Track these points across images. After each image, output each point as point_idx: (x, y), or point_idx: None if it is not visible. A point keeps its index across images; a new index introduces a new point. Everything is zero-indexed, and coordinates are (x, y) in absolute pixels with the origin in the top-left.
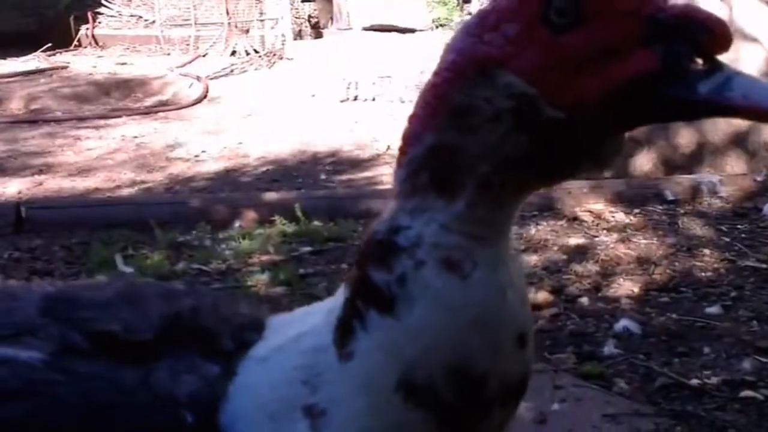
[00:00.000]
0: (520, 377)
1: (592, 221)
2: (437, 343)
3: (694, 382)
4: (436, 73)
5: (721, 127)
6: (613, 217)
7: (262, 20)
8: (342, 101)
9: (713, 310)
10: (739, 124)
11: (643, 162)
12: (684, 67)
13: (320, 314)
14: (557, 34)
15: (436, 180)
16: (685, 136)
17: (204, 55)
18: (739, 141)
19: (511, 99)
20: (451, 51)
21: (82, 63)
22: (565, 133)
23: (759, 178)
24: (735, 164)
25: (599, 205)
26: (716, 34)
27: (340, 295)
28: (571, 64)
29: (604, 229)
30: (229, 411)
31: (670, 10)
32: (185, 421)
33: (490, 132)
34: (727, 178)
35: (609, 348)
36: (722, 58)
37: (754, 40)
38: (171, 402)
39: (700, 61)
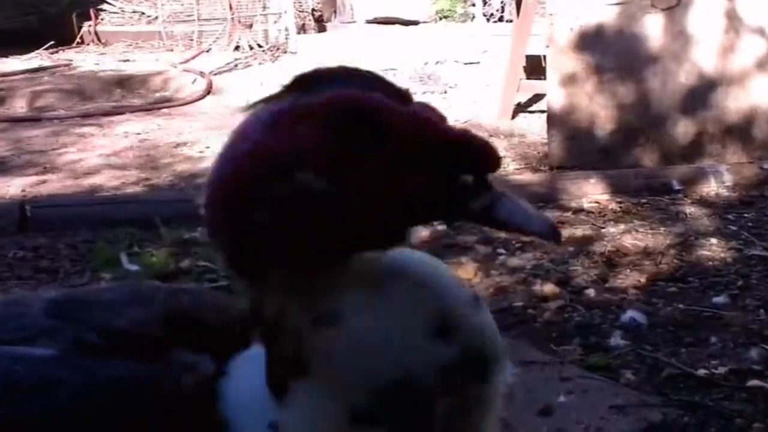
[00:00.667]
0: (454, 361)
1: (598, 212)
2: (356, 383)
3: (702, 372)
4: (226, 168)
5: (722, 117)
6: (618, 207)
7: (265, 15)
8: None
9: (720, 299)
10: (740, 113)
11: (645, 153)
12: (456, 185)
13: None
14: (348, 149)
15: (247, 264)
16: (685, 127)
17: (207, 51)
18: (741, 130)
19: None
20: (243, 140)
21: (85, 60)
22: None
23: (766, 166)
24: (737, 154)
25: (605, 196)
26: (486, 159)
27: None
28: (357, 175)
29: (609, 219)
30: (225, 407)
31: (444, 137)
32: (189, 414)
33: (285, 219)
34: (734, 166)
35: (616, 339)
36: (724, 46)
37: (757, 30)
38: (176, 397)
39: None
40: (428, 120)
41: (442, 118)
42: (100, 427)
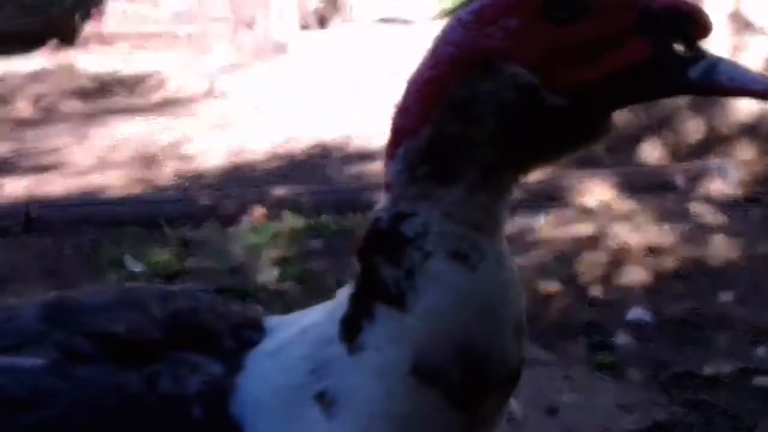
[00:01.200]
0: (516, 364)
1: (603, 210)
2: (447, 331)
3: (707, 370)
4: (432, 67)
5: (729, 114)
6: (623, 205)
7: (267, 14)
8: (349, 94)
9: (726, 297)
10: (748, 111)
11: (651, 150)
12: (673, 54)
13: (320, 312)
14: (558, 27)
15: (437, 170)
16: (693, 124)
17: (210, 50)
18: (748, 128)
19: (514, 89)
20: (447, 44)
21: (88, 60)
22: (566, 117)
23: None
24: (744, 151)
25: (609, 194)
26: (700, 24)
27: (342, 294)
28: (571, 55)
29: (614, 217)
30: (240, 401)
31: (660, 3)
32: (195, 417)
33: (495, 121)
34: (739, 163)
35: (621, 338)
36: (730, 47)
37: (761, 30)
38: (179, 401)
39: (684, 48)
40: None
41: None
42: None
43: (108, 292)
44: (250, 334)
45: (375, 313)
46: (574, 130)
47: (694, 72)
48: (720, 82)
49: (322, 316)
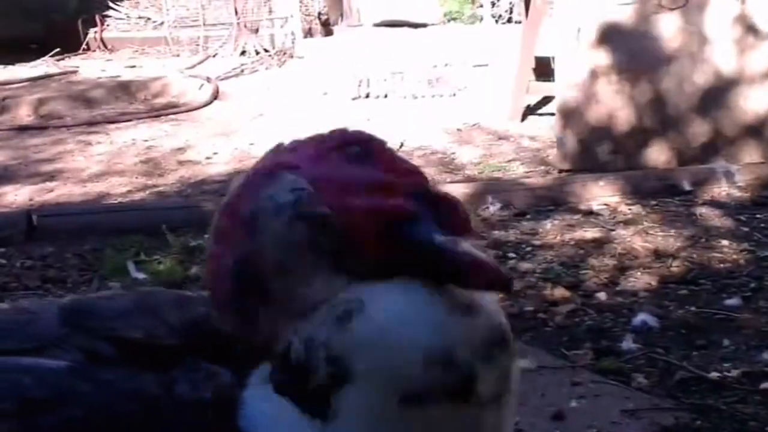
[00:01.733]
0: (485, 334)
1: (608, 214)
2: (398, 360)
3: (714, 375)
4: (225, 203)
5: (735, 117)
6: (629, 209)
7: (271, 19)
8: (354, 99)
9: (733, 301)
10: (754, 113)
11: (657, 154)
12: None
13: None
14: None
15: (255, 295)
16: (699, 127)
17: (213, 56)
18: (754, 131)
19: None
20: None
21: (91, 67)
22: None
23: None
24: (751, 154)
25: (615, 198)
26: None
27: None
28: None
29: (620, 222)
30: (246, 415)
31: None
32: (209, 424)
33: (277, 226)
34: (745, 166)
35: (627, 343)
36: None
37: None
38: (193, 407)
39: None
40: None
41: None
42: None
43: (125, 297)
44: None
45: (330, 401)
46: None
47: (439, 239)
48: (452, 250)
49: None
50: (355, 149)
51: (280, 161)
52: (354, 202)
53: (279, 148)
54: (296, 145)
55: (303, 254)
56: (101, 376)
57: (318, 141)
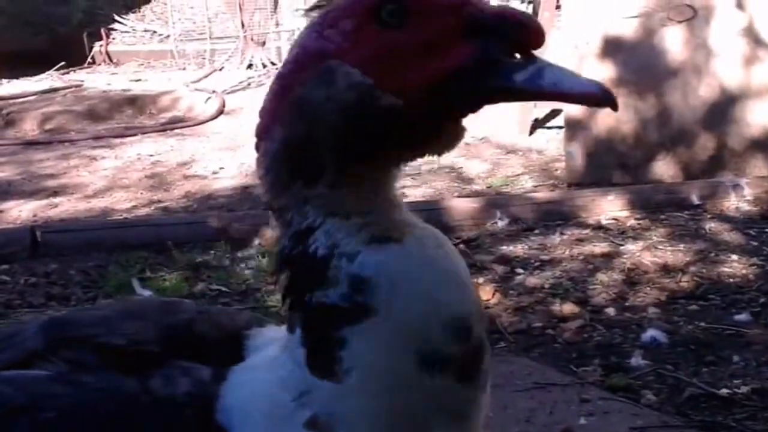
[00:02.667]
0: (484, 316)
1: (617, 229)
2: (423, 309)
3: (724, 391)
4: (282, 67)
5: (742, 131)
6: (638, 223)
7: (278, 32)
8: None
9: (742, 317)
10: (761, 127)
11: (664, 167)
12: (500, 60)
13: (276, 346)
14: (386, 31)
15: (297, 170)
16: (705, 141)
17: (220, 69)
18: (761, 144)
19: (350, 89)
20: (296, 45)
21: (96, 80)
22: (402, 117)
23: None
24: (758, 168)
25: (624, 212)
26: (530, 31)
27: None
28: (399, 58)
29: (629, 236)
30: (224, 409)
31: (487, 11)
32: (185, 417)
33: (336, 120)
34: (754, 180)
35: (636, 359)
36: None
37: None
38: (171, 403)
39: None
40: None
41: None
42: None
43: (108, 306)
44: (243, 345)
45: (345, 338)
46: (416, 130)
47: (520, 77)
48: (541, 85)
49: (278, 353)
50: (389, 8)
51: (326, 49)
52: (413, 77)
53: (316, 23)
54: (333, 18)
55: (362, 150)
56: (79, 379)
57: (352, 8)
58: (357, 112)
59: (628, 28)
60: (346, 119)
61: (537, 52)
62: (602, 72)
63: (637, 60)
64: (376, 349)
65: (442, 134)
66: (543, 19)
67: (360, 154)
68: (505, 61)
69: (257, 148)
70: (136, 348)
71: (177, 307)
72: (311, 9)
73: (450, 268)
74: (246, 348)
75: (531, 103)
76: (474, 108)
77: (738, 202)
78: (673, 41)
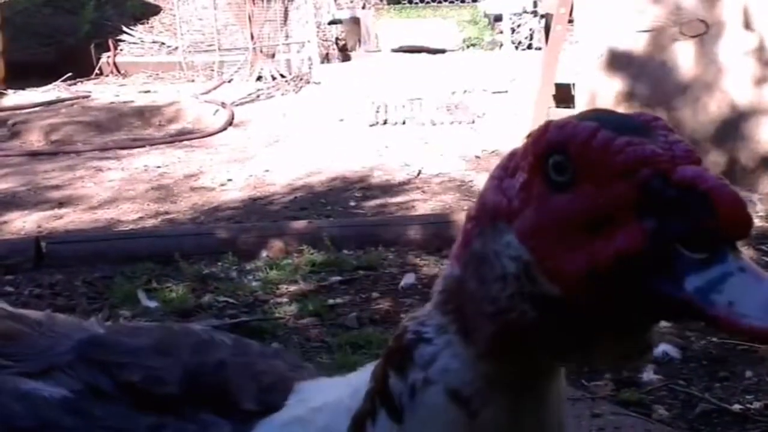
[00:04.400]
0: None
1: None
2: None
3: (737, 407)
4: (472, 206)
5: (752, 147)
6: None
7: (287, 44)
8: (371, 125)
9: None
10: None
11: None
12: (676, 251)
13: (344, 389)
14: (552, 192)
15: (458, 317)
16: (716, 157)
17: (229, 81)
18: None
19: (512, 261)
20: (483, 188)
21: (103, 92)
22: (562, 311)
23: None
24: (766, 184)
25: None
26: (723, 215)
27: (366, 377)
28: (562, 230)
29: None
30: None
31: (671, 177)
32: None
33: (500, 290)
34: (767, 196)
35: (648, 374)
36: (753, 82)
37: None
38: None
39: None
40: (649, 155)
41: (687, 155)
42: None
43: (150, 334)
44: (276, 397)
45: (377, 417)
46: (579, 333)
47: (693, 282)
48: (711, 307)
49: (342, 396)
50: (555, 159)
51: (499, 206)
52: (573, 259)
53: (501, 167)
54: (515, 165)
55: (518, 335)
56: (91, 410)
57: (524, 155)
58: (517, 291)
59: (640, 43)
60: (509, 294)
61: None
62: (613, 86)
63: (649, 74)
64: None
65: (617, 344)
66: (555, 32)
67: (517, 338)
68: (680, 256)
69: (452, 257)
70: (152, 389)
71: (211, 346)
72: (332, 23)
73: None
74: (288, 401)
75: (543, 116)
76: (644, 319)
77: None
78: (685, 57)
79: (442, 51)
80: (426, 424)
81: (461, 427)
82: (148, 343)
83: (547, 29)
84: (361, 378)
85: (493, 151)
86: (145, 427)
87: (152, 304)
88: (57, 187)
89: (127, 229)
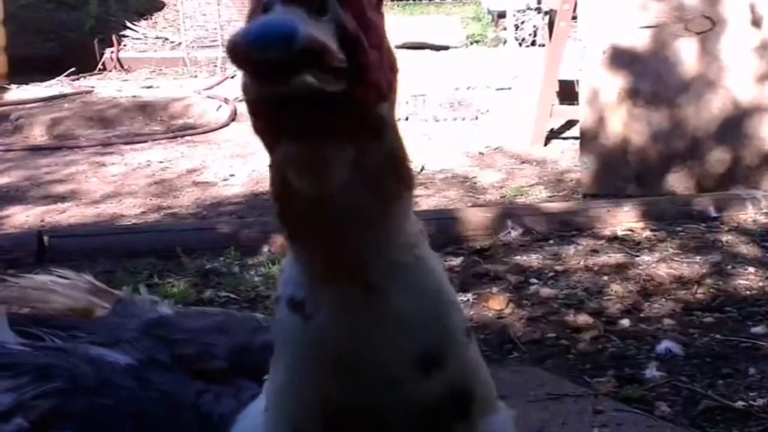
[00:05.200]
0: (431, 400)
1: (632, 240)
2: (305, 387)
3: (740, 404)
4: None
5: (755, 145)
6: (653, 235)
7: None
8: None
9: (759, 329)
10: None
11: (678, 180)
12: None
13: None
14: None
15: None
16: (719, 154)
17: (232, 77)
18: None
19: None
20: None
21: (106, 87)
22: None
23: None
24: None
25: (639, 224)
26: None
27: None
28: None
29: (644, 248)
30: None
31: None
32: None
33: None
34: None
35: (651, 371)
36: (756, 78)
37: None
38: (205, 422)
39: None
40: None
41: None
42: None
43: (212, 318)
44: None
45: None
46: None
47: None
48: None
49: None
50: None
51: None
52: None
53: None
54: None
55: None
56: (149, 376)
57: None
58: None
59: (643, 39)
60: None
61: None
62: (616, 83)
63: (652, 71)
64: (272, 397)
65: None
66: (559, 29)
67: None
68: None
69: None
70: (203, 361)
71: (265, 330)
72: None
73: (354, 359)
74: None
75: (546, 113)
76: None
77: (755, 214)
78: (688, 54)
79: (446, 48)
80: (283, 344)
81: (300, 332)
82: (207, 324)
83: (550, 26)
84: None
85: (496, 148)
86: (193, 392)
87: (154, 299)
88: (59, 182)
89: (129, 223)
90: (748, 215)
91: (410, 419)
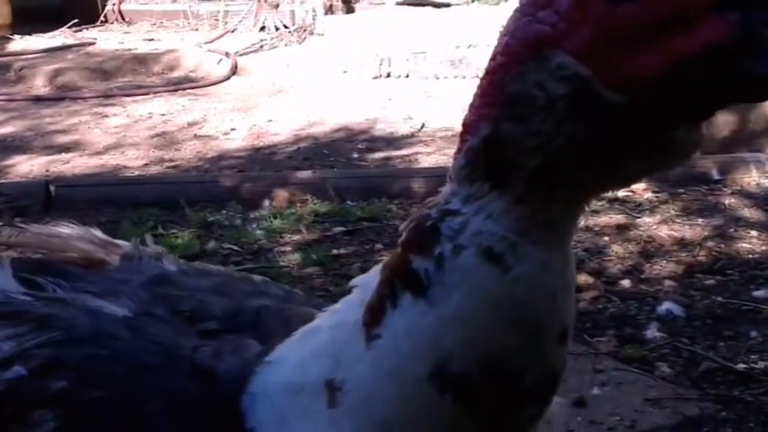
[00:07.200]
0: (557, 372)
1: (633, 202)
2: (473, 336)
3: (740, 366)
4: (491, 59)
5: (761, 110)
6: (655, 196)
7: None
8: (375, 78)
9: (761, 293)
10: None
11: None
12: (764, 37)
13: (356, 294)
14: (614, 4)
15: (491, 172)
16: (724, 117)
17: (233, 31)
18: None
19: (564, 82)
20: (505, 33)
21: (108, 39)
22: (627, 120)
23: None
24: None
25: (641, 185)
26: None
27: (362, 280)
28: (629, 38)
29: (645, 209)
30: (252, 393)
31: None
32: (208, 396)
33: (545, 121)
34: None
35: (651, 331)
36: None
37: None
38: (206, 376)
39: None
40: None
41: None
42: (125, 384)
43: (212, 278)
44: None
45: (399, 299)
46: (640, 140)
47: None
48: None
49: (354, 298)
50: None
51: (541, 34)
52: (647, 62)
53: (527, 4)
54: (537, 4)
55: (567, 161)
56: (145, 328)
57: None
58: (566, 114)
59: None
60: (558, 119)
61: None
62: None
63: None
64: (407, 332)
65: (674, 143)
66: None
67: (566, 166)
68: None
69: (462, 141)
70: (199, 318)
71: (262, 294)
72: None
73: (538, 319)
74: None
75: None
76: (718, 106)
77: (759, 177)
78: None
79: (447, 5)
80: (461, 293)
81: (497, 286)
82: (207, 284)
83: None
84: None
85: None
86: (189, 345)
87: (158, 249)
88: (62, 132)
89: (132, 174)
90: (752, 178)
91: (540, 387)
